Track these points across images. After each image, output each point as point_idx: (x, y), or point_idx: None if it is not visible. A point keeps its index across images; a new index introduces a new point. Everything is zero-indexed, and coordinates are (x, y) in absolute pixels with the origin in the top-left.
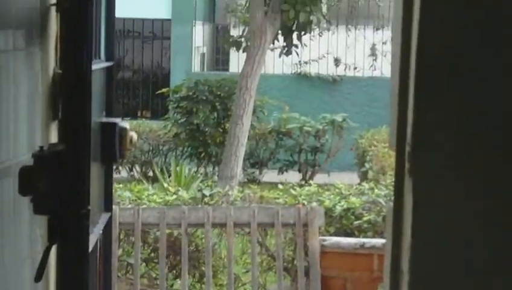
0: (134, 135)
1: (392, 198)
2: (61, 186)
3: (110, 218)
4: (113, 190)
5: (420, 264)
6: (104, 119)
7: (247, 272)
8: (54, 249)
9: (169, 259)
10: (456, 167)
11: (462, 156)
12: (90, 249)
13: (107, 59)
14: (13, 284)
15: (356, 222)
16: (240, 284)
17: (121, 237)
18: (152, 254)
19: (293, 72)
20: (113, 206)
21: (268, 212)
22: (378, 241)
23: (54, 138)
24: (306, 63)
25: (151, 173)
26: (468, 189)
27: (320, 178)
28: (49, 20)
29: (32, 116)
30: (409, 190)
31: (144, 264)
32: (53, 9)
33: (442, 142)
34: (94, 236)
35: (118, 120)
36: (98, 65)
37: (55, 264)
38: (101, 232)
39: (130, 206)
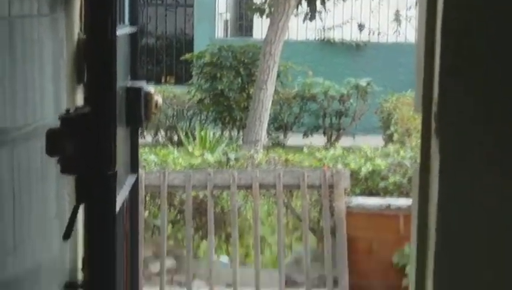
0: (159, 99)
1: (418, 160)
2: (88, 148)
3: (137, 179)
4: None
5: (448, 223)
6: (130, 84)
7: (273, 233)
8: (81, 208)
9: (195, 221)
10: (484, 128)
11: (488, 117)
12: (117, 210)
13: (131, 23)
14: (42, 242)
15: (382, 184)
16: (265, 245)
17: (147, 199)
18: (178, 216)
19: (317, 37)
20: (139, 170)
21: (294, 174)
22: (404, 202)
23: (79, 101)
24: (330, 28)
25: (176, 138)
26: (497, 149)
27: (345, 141)
28: None
29: (57, 80)
30: (436, 150)
31: (170, 225)
32: None
33: (468, 104)
34: (121, 197)
35: (143, 84)
36: (123, 30)
37: (83, 224)
38: (127, 193)
39: (155, 169)
